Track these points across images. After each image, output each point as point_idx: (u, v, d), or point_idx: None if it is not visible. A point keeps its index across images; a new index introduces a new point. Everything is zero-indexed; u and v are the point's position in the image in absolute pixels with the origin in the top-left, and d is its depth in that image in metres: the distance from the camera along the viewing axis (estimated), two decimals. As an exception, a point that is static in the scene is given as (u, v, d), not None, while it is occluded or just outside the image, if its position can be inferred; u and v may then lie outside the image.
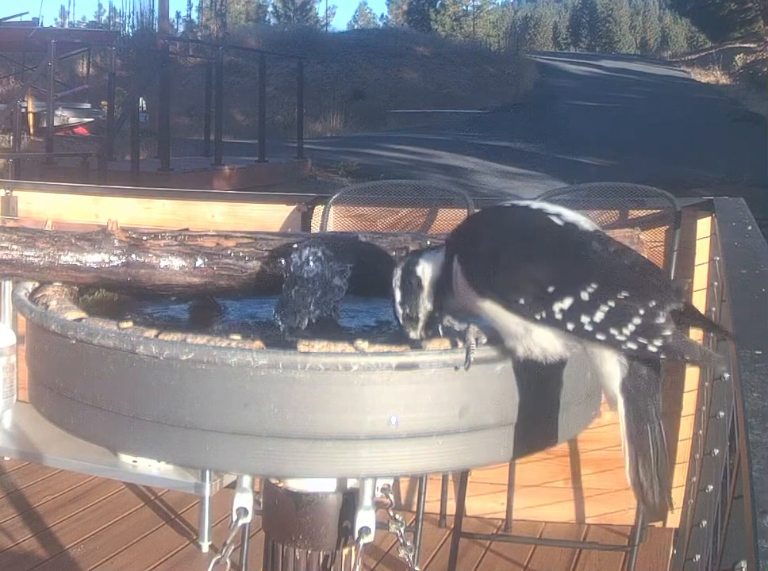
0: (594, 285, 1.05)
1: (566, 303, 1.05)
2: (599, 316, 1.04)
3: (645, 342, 1.03)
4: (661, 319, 1.04)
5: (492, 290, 1.10)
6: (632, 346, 1.04)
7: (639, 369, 1.06)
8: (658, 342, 1.03)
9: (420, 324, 1.19)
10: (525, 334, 1.09)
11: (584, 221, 1.13)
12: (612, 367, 1.07)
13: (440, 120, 21.58)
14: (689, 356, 1.04)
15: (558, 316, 1.05)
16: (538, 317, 1.06)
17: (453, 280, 1.15)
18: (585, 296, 1.04)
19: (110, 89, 12.14)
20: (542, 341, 1.08)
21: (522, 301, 1.07)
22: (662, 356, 1.04)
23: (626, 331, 1.03)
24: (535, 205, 1.17)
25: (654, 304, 1.04)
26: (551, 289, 1.06)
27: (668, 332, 1.03)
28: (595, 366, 1.09)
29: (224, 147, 12.28)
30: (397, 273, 1.20)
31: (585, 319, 1.04)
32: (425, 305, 1.19)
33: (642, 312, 1.04)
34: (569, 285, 1.06)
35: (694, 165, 14.30)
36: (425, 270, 1.19)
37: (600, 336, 1.04)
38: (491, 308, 1.11)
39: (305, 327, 1.32)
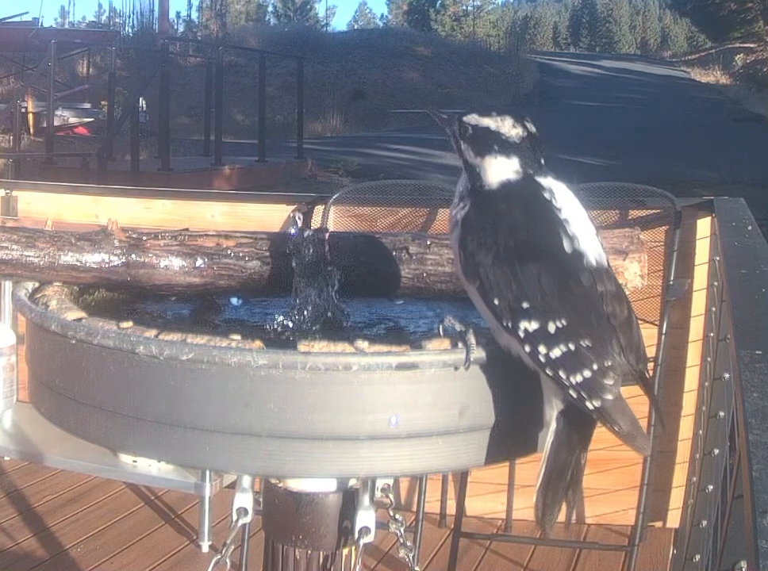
0: (564, 322, 1.05)
1: (532, 326, 1.05)
2: (555, 353, 1.05)
3: (585, 396, 1.04)
4: (609, 381, 1.04)
5: (477, 280, 1.10)
6: (573, 394, 1.05)
7: (578, 412, 1.07)
8: (596, 403, 1.04)
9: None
10: (497, 331, 1.10)
11: (595, 253, 1.10)
12: (555, 397, 1.09)
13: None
14: (617, 427, 1.05)
15: (521, 333, 1.06)
16: (504, 323, 1.07)
17: (455, 253, 1.15)
18: (551, 328, 1.05)
19: (110, 89, 12.13)
20: (508, 344, 1.10)
21: (496, 302, 1.08)
22: (594, 416, 1.05)
23: (573, 379, 1.04)
24: (558, 207, 1.11)
25: (609, 364, 1.05)
26: (524, 305, 1.06)
27: (609, 396, 1.04)
28: (542, 388, 1.11)
29: (224, 147, 12.27)
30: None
31: (542, 349, 1.05)
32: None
33: (595, 367, 1.04)
34: (542, 310, 1.06)
35: (694, 165, 14.29)
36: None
37: (548, 371, 1.05)
38: (475, 297, 1.12)
39: (317, 322, 1.32)
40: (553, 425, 1.09)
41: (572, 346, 1.04)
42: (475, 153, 1.15)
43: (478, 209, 1.13)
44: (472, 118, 1.16)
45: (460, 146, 1.18)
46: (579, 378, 1.04)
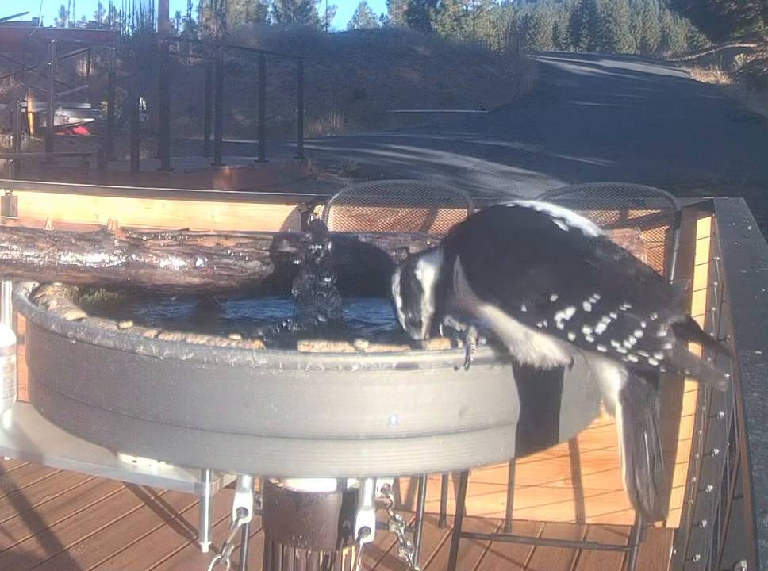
0: (597, 296, 1.04)
1: (569, 313, 1.04)
2: (601, 328, 1.03)
3: (646, 355, 1.03)
4: (662, 333, 1.03)
5: (494, 295, 1.09)
6: (633, 358, 1.04)
7: (638, 379, 1.06)
8: (658, 356, 1.03)
9: (424, 328, 1.18)
10: (525, 340, 1.08)
11: (588, 225, 1.12)
12: (611, 376, 1.07)
13: (440, 120, 21.57)
14: (688, 370, 1.04)
15: (560, 325, 1.05)
16: (539, 325, 1.06)
17: (454, 281, 1.14)
18: (587, 306, 1.04)
19: (110, 89, 12.13)
20: (541, 348, 1.08)
21: (524, 308, 1.06)
22: (661, 369, 1.04)
23: (627, 344, 1.03)
24: (540, 206, 1.15)
25: (656, 317, 1.04)
26: (553, 298, 1.05)
27: (669, 346, 1.03)
28: (595, 374, 1.09)
29: (224, 147, 12.27)
30: (396, 278, 1.19)
31: (586, 330, 1.04)
32: (427, 308, 1.18)
33: (644, 324, 1.03)
34: (572, 294, 1.05)
35: (694, 165, 14.29)
36: (425, 273, 1.17)
37: (601, 348, 1.04)
38: (492, 313, 1.10)
39: (325, 320, 1.32)
40: (618, 407, 1.07)
41: (614, 315, 1.03)
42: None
43: (462, 240, 1.16)
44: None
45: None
46: (633, 341, 1.03)
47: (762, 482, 0.81)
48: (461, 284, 1.13)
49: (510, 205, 1.19)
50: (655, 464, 1.06)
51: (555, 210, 1.13)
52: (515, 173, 14.53)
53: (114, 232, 1.41)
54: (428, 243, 1.46)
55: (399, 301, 1.19)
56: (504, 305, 1.08)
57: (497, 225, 1.15)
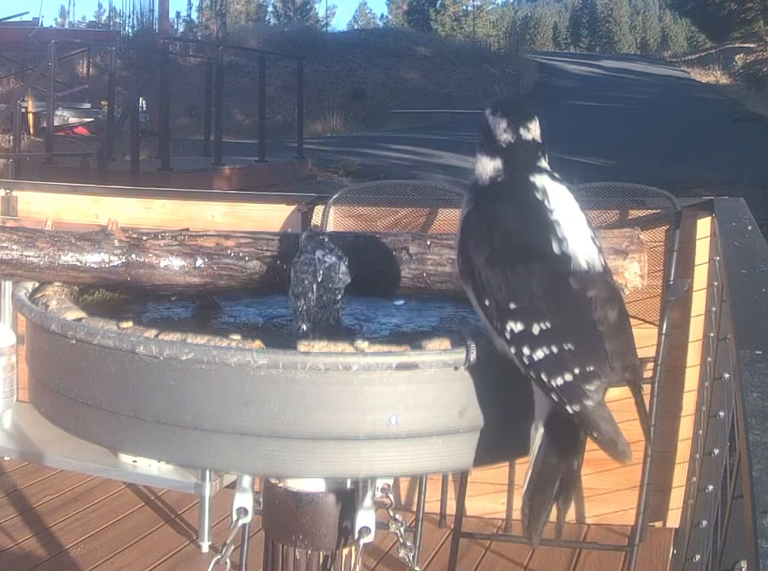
0: (548, 324, 1.05)
1: (518, 327, 1.06)
2: (538, 355, 1.04)
3: (565, 400, 1.03)
4: (590, 387, 1.04)
5: (469, 279, 1.11)
6: (554, 397, 1.04)
7: (567, 419, 1.06)
8: (576, 407, 1.03)
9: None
10: (490, 332, 1.11)
11: (585, 256, 1.09)
12: (542, 401, 1.08)
13: (440, 120, 21.57)
14: (598, 433, 1.04)
15: (507, 335, 1.06)
16: (493, 324, 1.08)
17: (456, 253, 1.16)
18: (536, 329, 1.05)
19: (110, 89, 12.13)
20: (499, 345, 1.10)
21: (487, 303, 1.09)
22: (575, 420, 1.04)
23: (553, 382, 1.04)
24: (551, 208, 1.11)
25: (591, 369, 1.04)
26: (512, 306, 1.06)
27: (590, 402, 1.03)
28: (533, 388, 1.10)
29: (224, 147, 12.26)
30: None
31: (526, 351, 1.05)
32: None
33: (577, 371, 1.04)
34: (528, 312, 1.06)
35: (694, 165, 14.29)
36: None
37: (531, 373, 1.05)
38: (471, 297, 1.13)
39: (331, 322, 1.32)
40: (540, 430, 1.08)
41: (555, 349, 1.04)
42: (478, 147, 1.17)
43: (476, 210, 1.14)
44: (486, 111, 1.17)
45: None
46: (560, 381, 1.03)
47: (762, 482, 0.81)
48: (457, 258, 1.16)
49: (530, 196, 1.12)
50: (559, 498, 1.08)
51: (564, 225, 1.10)
52: (515, 173, 14.48)
53: (114, 232, 1.41)
54: (428, 243, 1.46)
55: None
56: (475, 292, 1.11)
57: (501, 218, 1.13)
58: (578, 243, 1.10)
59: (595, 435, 1.04)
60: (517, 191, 1.13)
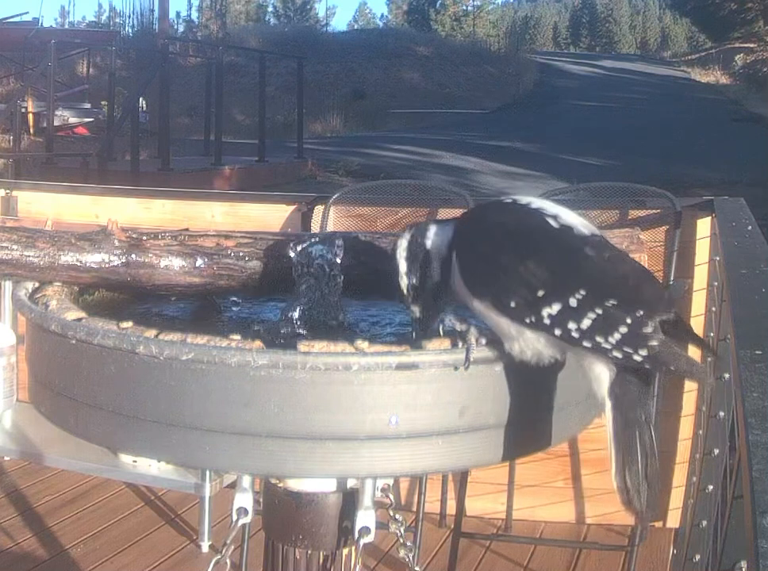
0: (583, 292, 1.05)
1: (555, 308, 1.05)
2: (586, 323, 1.04)
3: (630, 351, 1.03)
4: (648, 329, 1.04)
5: (485, 292, 1.10)
6: (618, 354, 1.04)
7: (628, 376, 1.06)
8: (643, 352, 1.03)
9: (426, 298, 1.17)
10: (517, 336, 1.09)
11: (581, 224, 1.12)
12: (600, 372, 1.07)
13: (440, 120, 21.57)
14: (674, 367, 1.04)
15: (547, 321, 1.06)
16: (527, 321, 1.07)
17: (452, 275, 1.15)
18: (573, 302, 1.05)
19: (110, 89, 12.14)
20: (534, 343, 1.09)
21: (513, 304, 1.08)
22: (647, 365, 1.04)
23: (612, 339, 1.03)
24: (536, 203, 1.15)
25: (641, 313, 1.04)
26: (540, 294, 1.06)
27: (654, 342, 1.03)
28: (584, 370, 1.09)
29: (224, 147, 12.27)
30: (403, 243, 1.18)
31: (572, 325, 1.04)
32: (432, 276, 1.17)
33: (629, 321, 1.04)
34: (558, 290, 1.06)
35: (694, 165, 14.29)
36: (434, 242, 1.17)
37: (586, 343, 1.05)
38: (485, 309, 1.11)
39: (336, 322, 1.32)
40: (607, 403, 1.06)
41: (599, 311, 1.04)
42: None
43: (460, 235, 1.16)
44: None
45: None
46: (618, 337, 1.03)
47: (762, 482, 0.81)
48: (457, 279, 1.15)
49: (507, 201, 1.19)
50: (648, 463, 1.06)
51: (550, 208, 1.14)
52: (515, 173, 14.52)
53: (114, 232, 1.41)
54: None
55: (403, 266, 1.18)
56: (495, 302, 1.09)
57: (491, 223, 1.16)
58: (570, 216, 1.13)
59: (672, 369, 1.04)
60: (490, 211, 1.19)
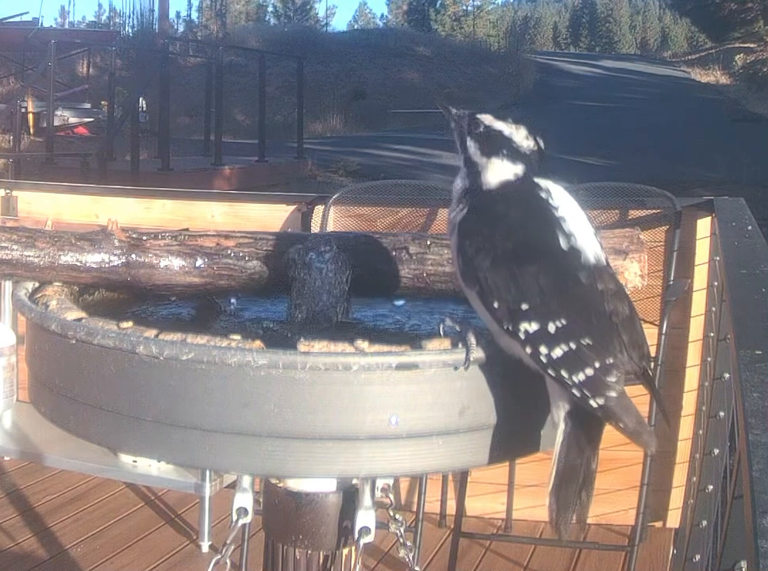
0: (563, 321, 1.05)
1: (533, 327, 1.06)
2: (557, 353, 1.05)
3: (588, 395, 1.04)
4: (611, 378, 1.05)
5: (475, 283, 1.11)
6: (576, 393, 1.05)
7: (584, 411, 1.07)
8: (600, 401, 1.04)
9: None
10: (498, 335, 1.10)
11: (591, 250, 1.10)
12: (560, 396, 1.09)
13: (441, 120, 21.52)
14: (623, 424, 1.05)
15: (521, 335, 1.06)
16: (504, 326, 1.08)
17: (454, 257, 1.16)
18: (551, 328, 1.05)
19: (110, 89, 12.14)
20: (510, 347, 1.10)
21: (496, 305, 1.08)
22: (599, 413, 1.05)
23: (575, 378, 1.04)
24: (555, 206, 1.12)
25: (611, 361, 1.05)
26: (524, 307, 1.06)
27: (613, 393, 1.04)
28: (547, 387, 1.10)
29: (224, 147, 12.27)
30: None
31: (543, 350, 1.05)
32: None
33: (597, 364, 1.04)
34: (541, 311, 1.06)
35: (694, 165, 14.29)
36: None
37: (551, 371, 1.06)
38: (474, 301, 1.12)
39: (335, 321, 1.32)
40: (561, 426, 1.08)
41: (573, 345, 1.04)
42: (482, 152, 1.17)
43: (475, 212, 1.14)
44: (486, 118, 1.19)
45: (466, 142, 1.19)
46: (582, 377, 1.04)
47: (762, 482, 0.81)
48: (456, 265, 1.15)
49: (528, 193, 1.14)
50: (582, 495, 1.08)
51: (570, 221, 1.11)
52: (515, 173, 14.48)
53: (114, 232, 1.41)
54: (428, 243, 1.46)
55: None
56: (482, 296, 1.10)
57: (501, 218, 1.13)
58: (584, 238, 1.11)
59: (621, 426, 1.05)
60: (522, 191, 1.14)
